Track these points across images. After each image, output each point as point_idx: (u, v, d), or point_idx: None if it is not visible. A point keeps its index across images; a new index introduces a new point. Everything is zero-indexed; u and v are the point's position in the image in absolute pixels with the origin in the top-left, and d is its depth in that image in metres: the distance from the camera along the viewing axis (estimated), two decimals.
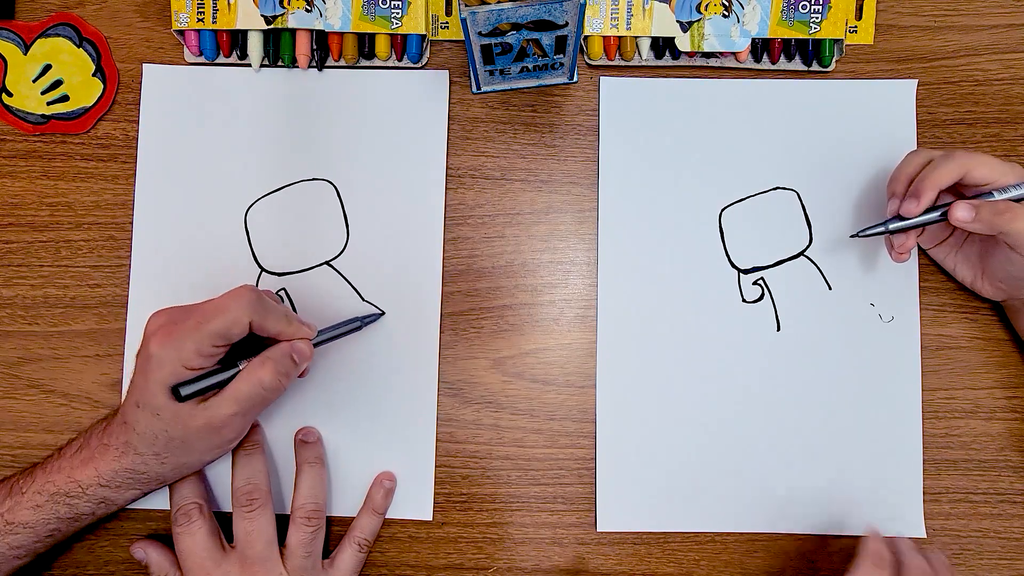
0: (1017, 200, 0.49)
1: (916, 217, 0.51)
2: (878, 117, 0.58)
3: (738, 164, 0.58)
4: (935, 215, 0.51)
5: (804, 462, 0.56)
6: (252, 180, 0.58)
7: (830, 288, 0.57)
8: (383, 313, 0.56)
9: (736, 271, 0.58)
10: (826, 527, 0.56)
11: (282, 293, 0.57)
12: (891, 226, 0.52)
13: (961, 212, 0.49)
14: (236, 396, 0.48)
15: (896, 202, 0.52)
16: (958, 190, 0.52)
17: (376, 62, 0.58)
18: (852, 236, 0.54)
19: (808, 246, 0.58)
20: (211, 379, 0.48)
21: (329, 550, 0.54)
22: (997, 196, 0.50)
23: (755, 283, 0.57)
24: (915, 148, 0.58)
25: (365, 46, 0.58)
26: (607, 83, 0.59)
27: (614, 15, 0.57)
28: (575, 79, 0.58)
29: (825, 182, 0.58)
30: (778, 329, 0.57)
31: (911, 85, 0.58)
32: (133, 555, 0.53)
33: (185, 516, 0.50)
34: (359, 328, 0.55)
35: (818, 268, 0.57)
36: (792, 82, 0.59)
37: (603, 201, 0.58)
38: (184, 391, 0.48)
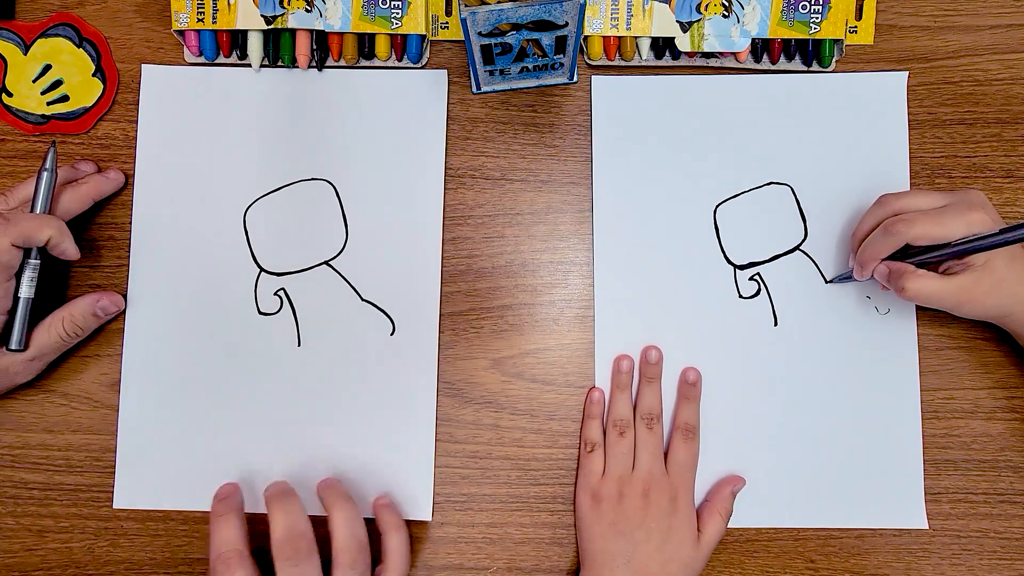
0: (965, 252, 0.49)
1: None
2: (870, 109, 0.58)
3: (731, 160, 0.58)
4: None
5: (803, 456, 0.56)
6: (251, 180, 0.58)
7: (826, 281, 0.57)
8: (52, 144, 0.53)
9: (732, 267, 0.58)
10: (826, 522, 0.56)
11: (281, 293, 0.57)
12: (856, 277, 0.54)
13: (879, 276, 0.52)
14: (36, 343, 0.53)
15: (853, 258, 0.54)
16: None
17: (376, 62, 0.58)
18: (828, 282, 0.57)
19: (803, 240, 0.58)
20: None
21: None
22: (954, 247, 0.49)
23: (751, 278, 0.57)
24: (903, 155, 0.58)
25: (365, 46, 0.58)
26: (598, 82, 0.59)
27: (614, 15, 0.57)
28: (575, 79, 0.58)
29: (819, 176, 0.58)
30: (775, 324, 0.57)
31: (902, 77, 0.58)
32: None
33: (224, 564, 0.48)
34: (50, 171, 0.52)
35: (814, 262, 0.57)
36: (782, 77, 0.59)
37: (597, 201, 0.58)
38: None
